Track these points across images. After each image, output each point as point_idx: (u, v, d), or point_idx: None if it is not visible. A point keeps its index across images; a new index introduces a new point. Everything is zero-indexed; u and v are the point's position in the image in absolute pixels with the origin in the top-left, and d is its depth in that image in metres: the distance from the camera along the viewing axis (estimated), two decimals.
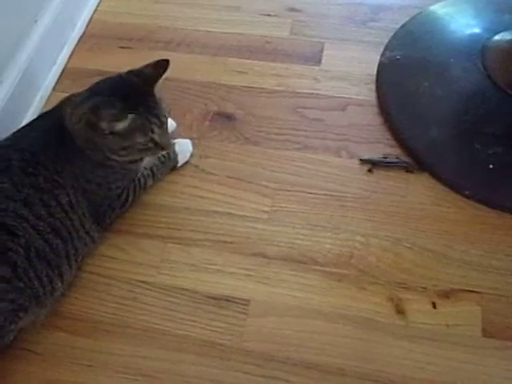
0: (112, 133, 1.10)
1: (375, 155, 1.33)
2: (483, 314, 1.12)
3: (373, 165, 1.31)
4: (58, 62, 1.55)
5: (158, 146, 1.15)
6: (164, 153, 1.28)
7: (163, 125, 1.15)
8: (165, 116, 1.15)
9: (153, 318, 1.14)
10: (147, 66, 1.15)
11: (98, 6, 1.71)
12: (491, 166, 1.28)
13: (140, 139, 1.12)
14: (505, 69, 1.41)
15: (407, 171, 1.30)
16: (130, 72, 1.15)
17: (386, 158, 1.32)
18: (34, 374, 1.09)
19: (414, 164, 1.31)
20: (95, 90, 1.14)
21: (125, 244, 1.23)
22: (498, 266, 1.18)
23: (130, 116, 1.08)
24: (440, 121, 1.38)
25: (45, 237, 1.07)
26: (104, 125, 1.08)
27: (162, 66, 1.15)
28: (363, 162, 1.32)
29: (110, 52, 1.59)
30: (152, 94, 1.14)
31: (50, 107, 1.23)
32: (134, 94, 1.12)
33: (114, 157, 1.15)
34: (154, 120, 1.12)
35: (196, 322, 1.13)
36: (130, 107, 1.09)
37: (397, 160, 1.31)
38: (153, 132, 1.12)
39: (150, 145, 1.14)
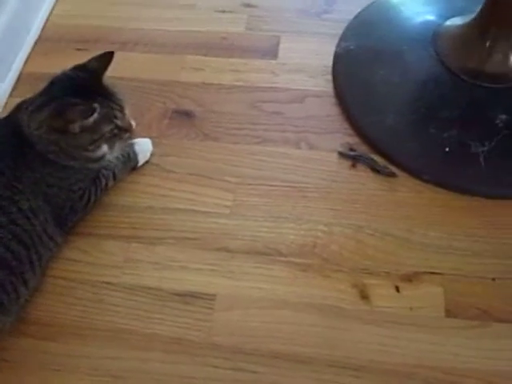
0: (82, 130, 1.11)
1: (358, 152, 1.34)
2: (446, 294, 1.14)
3: (354, 160, 1.32)
4: (14, 67, 1.53)
5: (122, 130, 1.18)
6: (124, 153, 1.29)
7: (122, 108, 1.18)
8: (121, 99, 1.18)
9: (119, 319, 1.13)
10: (91, 59, 1.18)
11: (52, 9, 1.70)
12: (447, 149, 1.30)
13: (106, 128, 1.14)
14: (456, 53, 1.44)
15: (388, 175, 1.30)
16: (75, 68, 1.17)
17: (354, 150, 1.34)
18: (3, 381, 1.08)
19: (392, 171, 1.31)
20: (48, 95, 1.14)
21: (88, 246, 1.23)
22: (458, 246, 1.20)
23: (97, 106, 1.09)
24: (396, 108, 1.40)
25: (6, 244, 1.06)
26: (75, 125, 1.09)
27: (106, 58, 1.17)
28: (342, 155, 1.34)
29: (67, 55, 1.57)
30: (102, 85, 1.16)
31: (7, 113, 1.21)
32: (86, 88, 1.14)
33: (85, 153, 1.16)
34: (115, 106, 1.16)
35: (163, 319, 1.13)
36: (90, 100, 1.11)
37: (378, 164, 1.31)
38: (116, 117, 1.16)
39: (116, 131, 1.17)
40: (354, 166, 1.32)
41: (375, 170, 1.31)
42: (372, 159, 1.32)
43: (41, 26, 1.65)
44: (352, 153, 1.33)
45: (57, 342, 1.12)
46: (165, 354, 1.09)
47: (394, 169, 1.30)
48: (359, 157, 1.32)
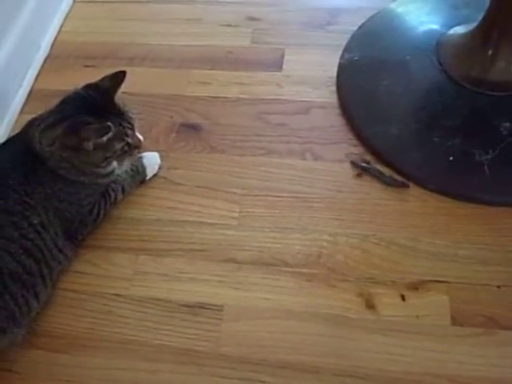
0: (95, 148, 1.14)
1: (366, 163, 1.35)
2: (451, 302, 1.14)
3: (362, 170, 1.33)
4: (25, 84, 1.56)
5: (132, 147, 1.21)
6: (133, 167, 1.31)
7: (133, 126, 1.20)
8: (132, 118, 1.20)
9: (129, 330, 1.15)
10: (104, 78, 1.20)
11: (61, 26, 1.73)
12: (451, 158, 1.31)
13: (118, 146, 1.18)
14: (458, 62, 1.45)
15: (400, 186, 1.31)
16: (87, 87, 1.19)
17: (369, 163, 1.34)
18: None
19: (404, 181, 1.31)
20: (61, 113, 1.16)
21: (97, 259, 1.25)
22: (463, 255, 1.20)
23: (111, 125, 1.12)
24: (400, 117, 1.41)
25: (17, 258, 1.08)
26: (89, 143, 1.12)
27: (118, 77, 1.19)
28: (354, 164, 1.35)
29: (76, 71, 1.61)
30: (114, 103, 1.18)
31: (18, 130, 1.24)
32: (98, 107, 1.16)
33: (96, 170, 1.19)
34: (126, 124, 1.18)
35: (171, 330, 1.15)
36: (102, 118, 1.14)
37: (387, 177, 1.32)
38: (127, 135, 1.18)
39: (126, 148, 1.20)
40: (359, 175, 1.33)
41: (385, 182, 1.31)
42: (381, 172, 1.32)
43: (50, 43, 1.68)
44: (364, 164, 1.33)
45: (67, 353, 1.14)
46: (174, 365, 1.11)
47: (399, 178, 1.31)
48: (369, 169, 1.33)
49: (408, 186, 1.30)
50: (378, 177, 1.32)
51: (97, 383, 1.10)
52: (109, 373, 1.11)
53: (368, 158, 1.35)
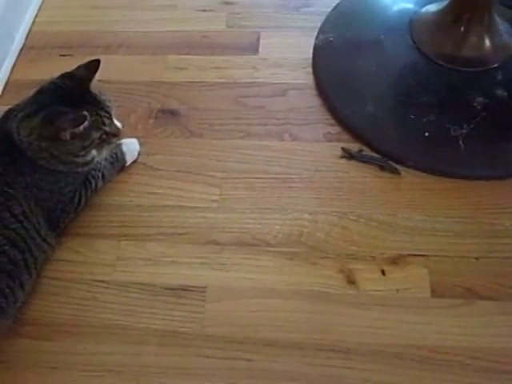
0: (72, 138, 1.13)
1: (355, 148, 1.35)
2: (430, 275, 1.16)
3: (350, 156, 1.34)
4: (0, 76, 1.55)
5: (110, 135, 1.21)
6: (112, 153, 1.31)
7: (110, 115, 1.20)
8: (109, 106, 1.20)
9: (113, 315, 1.16)
10: (79, 67, 1.19)
11: (35, 17, 1.72)
12: (427, 134, 1.33)
13: (96, 135, 1.17)
14: (431, 40, 1.46)
15: (382, 169, 1.31)
16: (62, 76, 1.18)
17: (362, 151, 1.34)
18: (1, 382, 1.10)
19: (390, 163, 1.31)
20: (38, 103, 1.16)
21: (80, 246, 1.25)
22: (440, 228, 1.22)
23: (87, 114, 1.11)
24: (375, 96, 1.42)
25: (1, 249, 1.08)
26: (66, 133, 1.12)
27: (93, 65, 1.18)
28: (344, 151, 1.34)
29: (52, 61, 1.60)
30: (90, 92, 1.18)
31: None
32: (74, 97, 1.16)
33: (76, 159, 1.19)
34: (103, 113, 1.18)
35: (156, 313, 1.16)
36: (79, 108, 1.13)
37: (373, 157, 1.33)
38: (104, 124, 1.18)
39: (104, 136, 1.19)
40: (346, 159, 1.34)
41: (379, 166, 1.32)
42: (375, 157, 1.33)
43: (25, 34, 1.67)
44: (355, 153, 1.33)
45: (52, 340, 1.14)
46: (159, 347, 1.12)
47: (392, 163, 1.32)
48: (360, 156, 1.33)
49: (399, 173, 1.31)
50: (371, 162, 1.32)
51: (83, 368, 1.11)
52: (94, 357, 1.11)
53: (346, 137, 1.37)
